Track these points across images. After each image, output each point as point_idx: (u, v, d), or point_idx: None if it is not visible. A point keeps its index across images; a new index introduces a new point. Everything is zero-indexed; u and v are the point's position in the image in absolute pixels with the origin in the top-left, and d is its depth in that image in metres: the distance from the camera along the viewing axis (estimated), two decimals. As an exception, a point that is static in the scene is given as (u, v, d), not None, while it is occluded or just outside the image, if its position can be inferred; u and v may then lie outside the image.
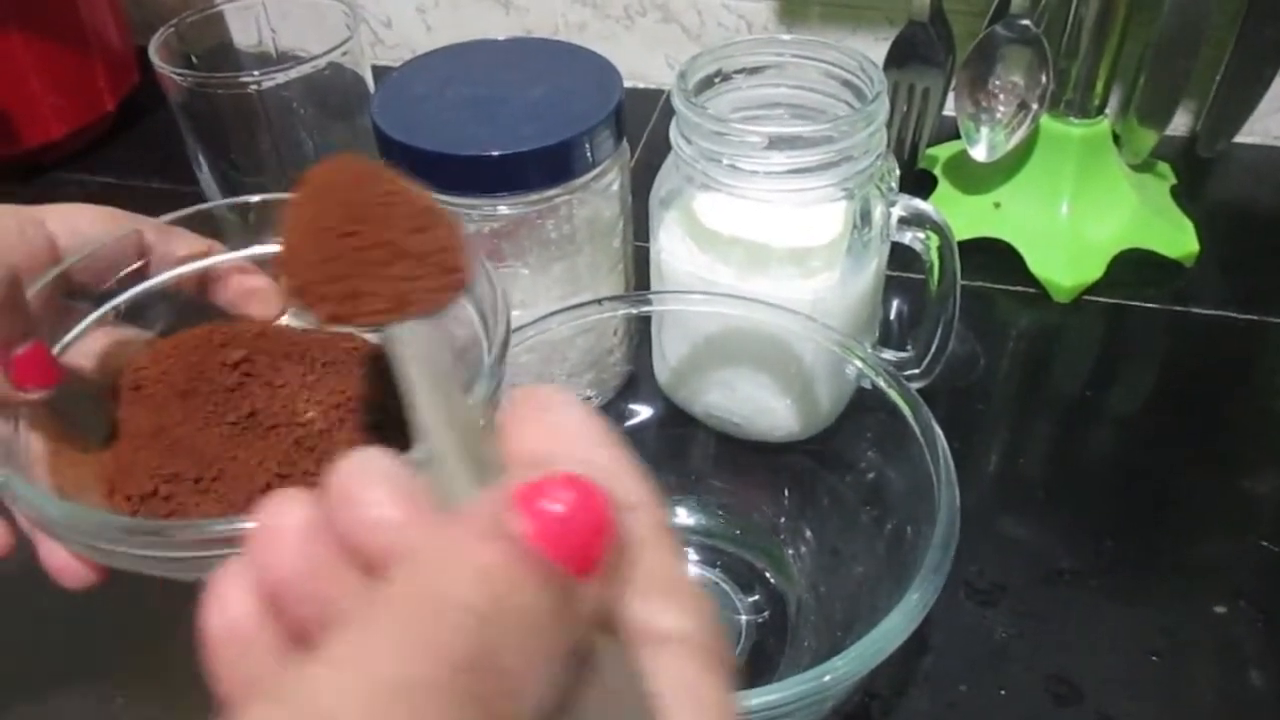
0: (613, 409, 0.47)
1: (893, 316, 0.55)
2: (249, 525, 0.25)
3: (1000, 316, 0.56)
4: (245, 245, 0.37)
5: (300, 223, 0.27)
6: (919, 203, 0.41)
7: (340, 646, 0.12)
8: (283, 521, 0.15)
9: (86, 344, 0.34)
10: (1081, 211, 0.56)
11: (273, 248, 0.37)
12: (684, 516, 0.44)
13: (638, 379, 0.49)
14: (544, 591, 0.13)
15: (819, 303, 0.41)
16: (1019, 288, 0.56)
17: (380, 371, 0.35)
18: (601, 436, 0.17)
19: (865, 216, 0.40)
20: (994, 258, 0.57)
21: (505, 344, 0.32)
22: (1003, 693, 0.38)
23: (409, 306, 0.25)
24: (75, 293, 0.34)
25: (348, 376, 0.34)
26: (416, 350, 0.23)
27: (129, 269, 0.35)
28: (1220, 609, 0.40)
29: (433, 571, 0.13)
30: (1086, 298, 0.56)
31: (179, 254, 0.36)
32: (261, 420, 0.32)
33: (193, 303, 0.36)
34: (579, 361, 0.45)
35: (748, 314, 0.40)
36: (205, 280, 0.37)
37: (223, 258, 0.37)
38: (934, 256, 0.42)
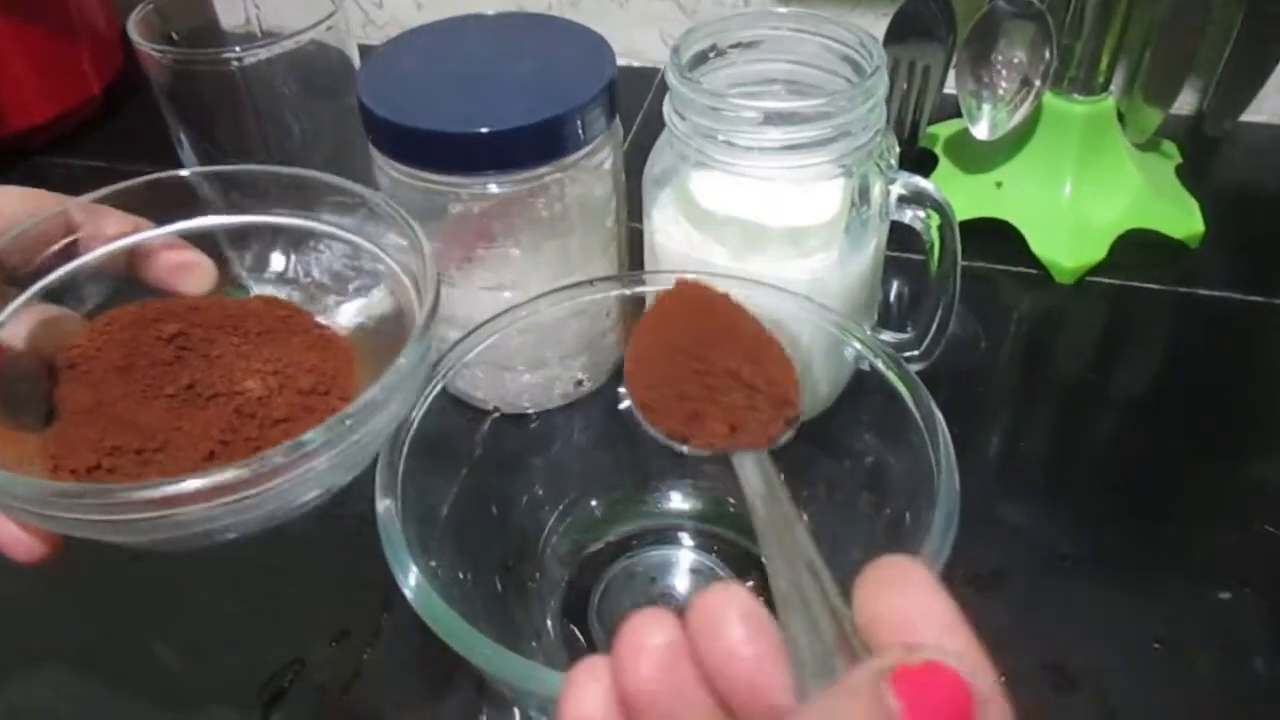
0: (606, 392, 0.47)
1: (892, 298, 0.54)
2: (188, 485, 0.26)
3: (1002, 298, 0.55)
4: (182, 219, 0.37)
5: (649, 340, 0.30)
6: (919, 180, 0.40)
7: None
8: (651, 641, 0.17)
9: (17, 326, 0.34)
10: (1085, 191, 0.55)
11: (205, 220, 0.37)
12: (679, 501, 0.43)
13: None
14: None
15: (816, 283, 0.40)
16: (1021, 269, 0.55)
17: (315, 339, 0.36)
18: (956, 622, 0.17)
19: (864, 194, 0.39)
20: (995, 238, 0.56)
21: (434, 309, 0.33)
22: (1000, 680, 0.37)
23: (743, 435, 0.28)
24: (2, 275, 0.34)
25: (283, 344, 0.35)
26: (756, 484, 0.25)
27: (56, 248, 0.35)
28: (1224, 595, 0.40)
29: None
30: (1089, 279, 0.55)
31: (107, 232, 0.35)
32: (200, 391, 0.33)
33: (123, 280, 0.36)
34: (573, 344, 0.44)
35: (743, 294, 0.39)
36: (135, 257, 0.36)
37: (151, 234, 0.36)
38: (934, 235, 0.41)
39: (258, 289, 0.39)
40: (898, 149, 0.42)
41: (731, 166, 0.38)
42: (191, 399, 0.32)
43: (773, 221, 0.40)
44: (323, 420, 0.28)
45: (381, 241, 0.37)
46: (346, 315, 0.38)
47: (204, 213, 0.37)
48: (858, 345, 0.36)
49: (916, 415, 0.34)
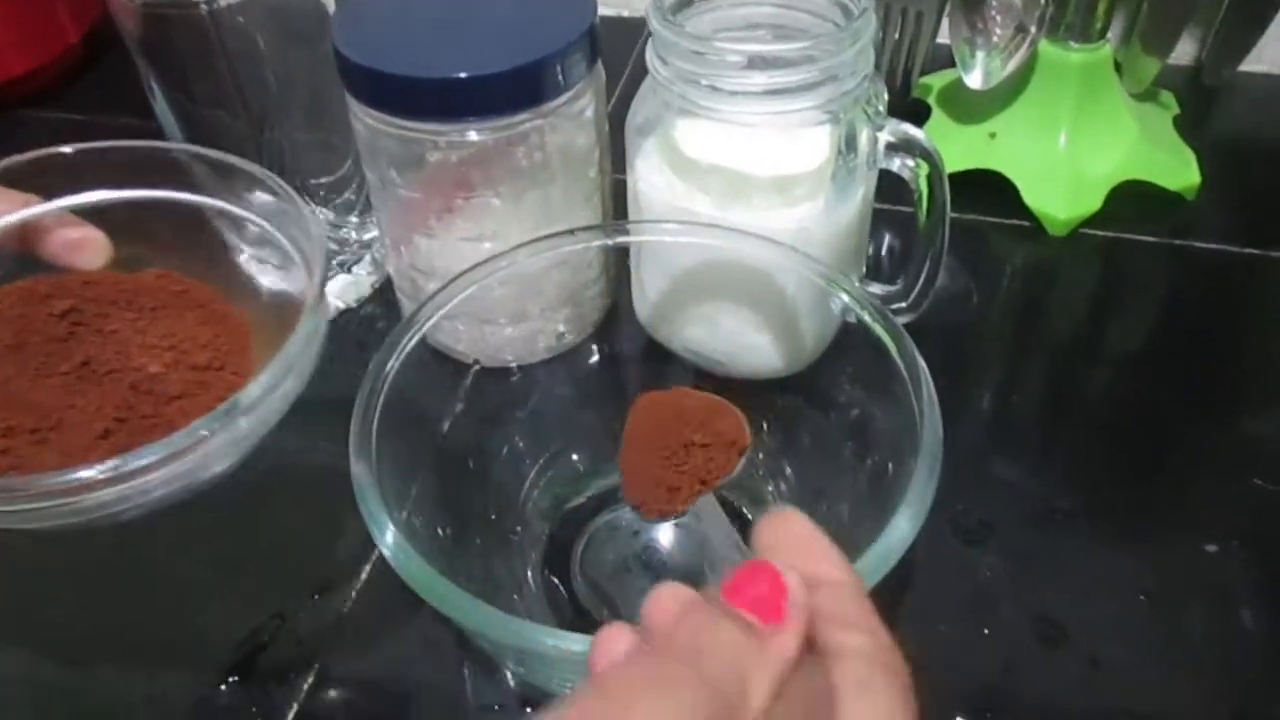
0: (591, 345, 0.46)
1: (883, 251, 0.53)
2: (82, 474, 0.26)
3: (994, 251, 0.54)
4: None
5: (630, 456, 0.37)
6: (908, 127, 0.39)
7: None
8: (616, 651, 0.21)
9: None
10: (1080, 142, 0.54)
11: (95, 195, 0.37)
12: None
13: (619, 314, 0.47)
14: (744, 632, 0.20)
15: (802, 232, 0.39)
16: (1013, 221, 0.55)
17: (210, 314, 0.36)
18: (824, 548, 0.23)
19: (851, 142, 0.39)
20: (988, 190, 0.55)
21: (322, 285, 0.34)
22: (987, 632, 0.37)
23: (712, 482, 0.35)
24: None
25: (178, 320, 0.35)
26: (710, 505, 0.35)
27: None
28: (1212, 548, 0.39)
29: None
30: (1083, 231, 0.54)
31: None
32: (95, 368, 0.32)
33: (15, 258, 0.36)
34: (555, 296, 0.43)
35: (727, 244, 0.38)
36: (26, 234, 0.36)
37: (42, 209, 0.36)
38: (923, 185, 0.40)
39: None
40: (886, 96, 0.41)
41: (715, 113, 0.37)
42: (86, 375, 0.32)
43: (758, 170, 0.39)
44: (220, 398, 0.28)
45: (279, 219, 0.37)
46: (264, 288, 0.38)
47: (96, 188, 0.37)
48: (844, 296, 0.36)
49: (900, 366, 0.33)
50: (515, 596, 0.37)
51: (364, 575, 0.39)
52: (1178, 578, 0.38)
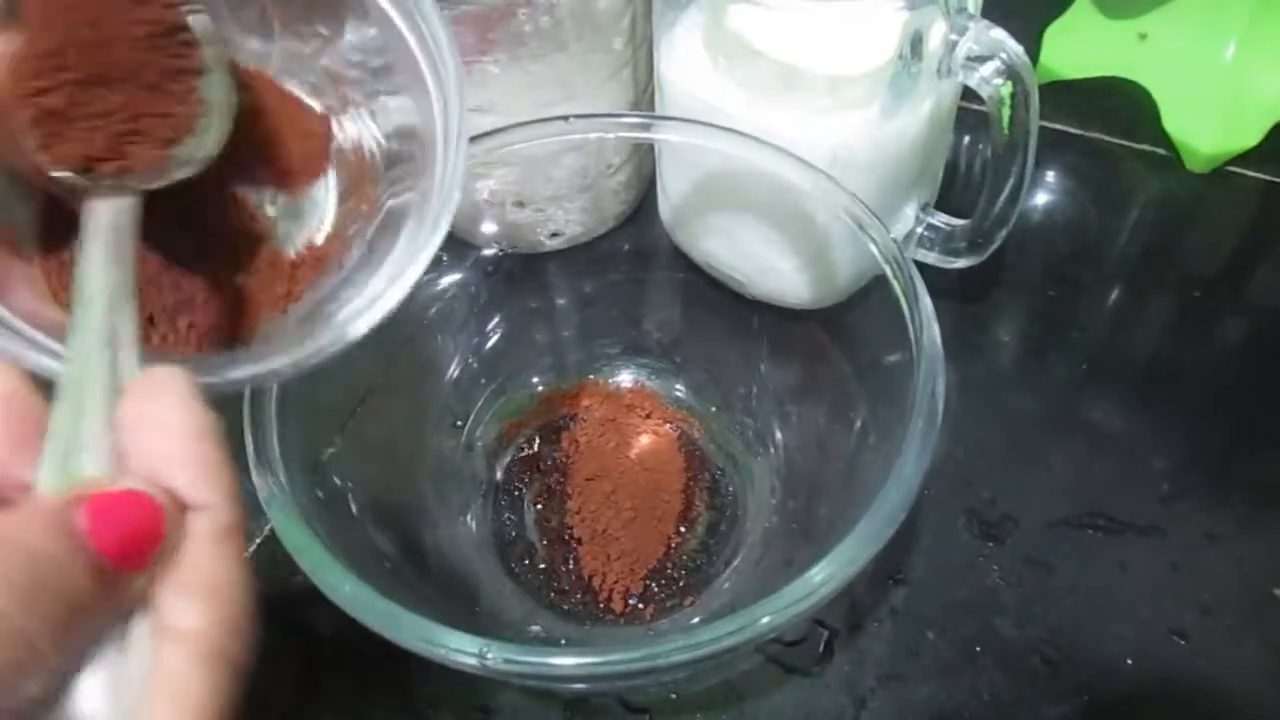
0: (608, 243, 0.41)
1: (978, 171, 0.45)
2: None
3: (1118, 180, 0.45)
4: None
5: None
6: (998, 33, 0.31)
7: None
8: None
9: None
10: (1250, 56, 0.43)
11: None
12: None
13: (648, 213, 0.42)
14: (86, 578, 0.16)
15: (843, 147, 0.32)
16: (1145, 146, 0.45)
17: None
18: (199, 432, 0.18)
19: (917, 44, 0.31)
20: (1124, 104, 0.46)
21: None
22: (978, 649, 0.32)
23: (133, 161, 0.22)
24: None
25: None
26: (104, 229, 0.21)
27: None
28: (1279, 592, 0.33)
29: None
30: (1230, 169, 0.44)
31: None
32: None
33: None
34: (567, 183, 0.38)
35: (750, 156, 0.32)
36: None
37: None
38: (1003, 110, 0.32)
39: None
40: (984, -13, 0.33)
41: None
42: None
43: (805, 62, 0.32)
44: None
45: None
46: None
47: None
48: (870, 243, 0.30)
49: (910, 335, 0.28)
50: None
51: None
52: (1226, 618, 0.32)
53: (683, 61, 0.35)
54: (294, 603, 0.31)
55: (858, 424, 0.32)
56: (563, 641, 0.32)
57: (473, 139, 0.32)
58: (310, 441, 0.28)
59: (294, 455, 0.26)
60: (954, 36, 0.31)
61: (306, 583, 0.23)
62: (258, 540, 0.33)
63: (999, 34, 0.31)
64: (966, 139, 0.46)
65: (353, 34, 0.27)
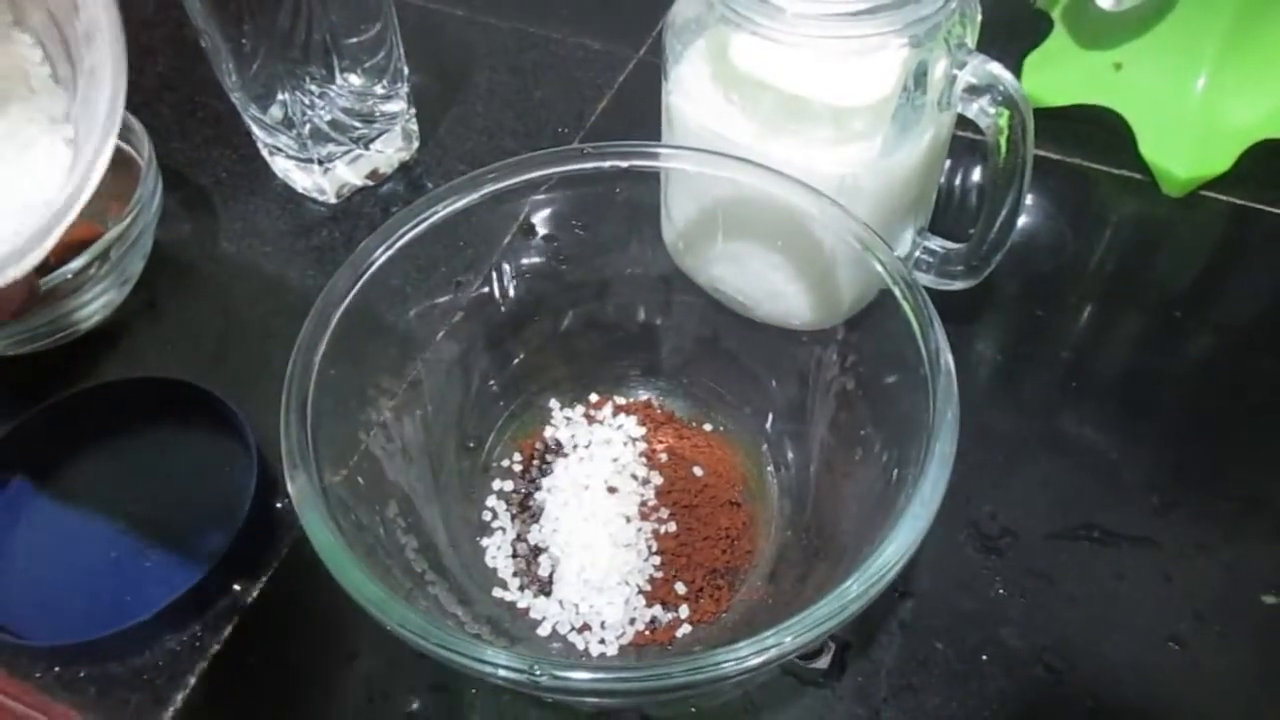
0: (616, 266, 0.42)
1: (969, 193, 0.47)
2: None
3: (1096, 202, 0.47)
4: None
5: None
6: (995, 67, 0.33)
7: None
8: None
9: None
10: (1221, 86, 0.45)
11: None
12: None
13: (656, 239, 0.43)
14: None
15: (849, 177, 0.34)
16: (1123, 172, 0.47)
17: None
18: None
19: (921, 77, 0.33)
20: (1100, 131, 0.47)
21: None
22: (984, 658, 0.33)
23: None
24: None
25: None
26: None
27: None
28: (1270, 600, 0.34)
29: None
30: (1204, 193, 0.46)
31: None
32: None
33: None
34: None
35: (760, 184, 0.33)
36: None
37: None
38: (1001, 139, 0.33)
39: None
40: (979, 19, 0.34)
41: (767, 30, 0.32)
42: None
43: (812, 94, 0.33)
44: None
45: None
46: None
47: None
48: (878, 265, 0.31)
49: (924, 357, 0.29)
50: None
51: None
52: (1221, 626, 0.34)
53: (692, 92, 0.36)
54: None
55: (868, 443, 0.33)
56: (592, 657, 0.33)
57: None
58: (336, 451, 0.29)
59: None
60: (954, 71, 0.33)
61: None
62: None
63: (995, 67, 0.33)
64: (948, 164, 0.47)
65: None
